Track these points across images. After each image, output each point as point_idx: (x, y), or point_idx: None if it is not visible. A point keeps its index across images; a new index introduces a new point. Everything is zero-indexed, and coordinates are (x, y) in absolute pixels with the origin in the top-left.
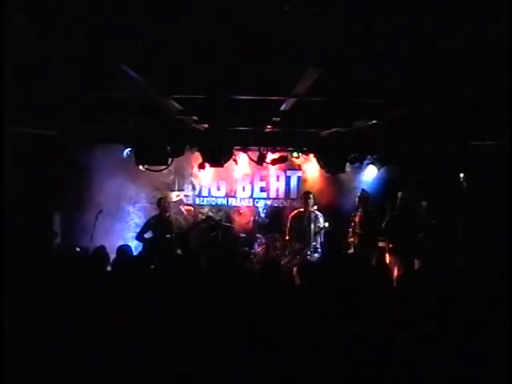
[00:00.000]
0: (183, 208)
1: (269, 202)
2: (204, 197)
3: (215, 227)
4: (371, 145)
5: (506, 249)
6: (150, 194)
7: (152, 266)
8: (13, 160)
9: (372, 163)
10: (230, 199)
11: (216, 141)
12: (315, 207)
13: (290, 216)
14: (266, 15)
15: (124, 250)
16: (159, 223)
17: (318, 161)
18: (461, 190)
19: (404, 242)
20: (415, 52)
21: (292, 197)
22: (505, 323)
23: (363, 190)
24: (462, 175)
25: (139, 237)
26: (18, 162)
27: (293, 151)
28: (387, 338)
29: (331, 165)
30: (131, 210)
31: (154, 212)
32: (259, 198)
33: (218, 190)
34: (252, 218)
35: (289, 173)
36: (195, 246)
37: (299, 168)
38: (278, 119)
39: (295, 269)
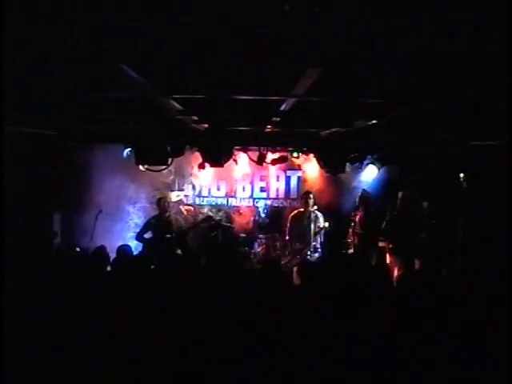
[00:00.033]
0: (183, 208)
1: (269, 202)
2: (204, 197)
3: (215, 227)
4: (371, 145)
5: (506, 249)
6: (150, 194)
7: (152, 266)
8: (13, 160)
9: (372, 163)
10: (230, 199)
11: (216, 141)
12: (315, 207)
13: (290, 216)
14: (266, 15)
15: (124, 249)
16: (159, 223)
17: (318, 161)
18: (461, 189)
19: (404, 242)
20: (415, 52)
21: (292, 197)
22: (505, 323)
23: (364, 190)
24: (462, 175)
25: (139, 237)
26: (18, 162)
27: (293, 151)
28: (387, 337)
29: (331, 165)
30: (131, 210)
31: (154, 212)
32: (259, 198)
33: (218, 189)
34: (252, 218)
35: (289, 173)
36: (195, 246)
37: (299, 168)
38: (278, 119)
39: (295, 269)
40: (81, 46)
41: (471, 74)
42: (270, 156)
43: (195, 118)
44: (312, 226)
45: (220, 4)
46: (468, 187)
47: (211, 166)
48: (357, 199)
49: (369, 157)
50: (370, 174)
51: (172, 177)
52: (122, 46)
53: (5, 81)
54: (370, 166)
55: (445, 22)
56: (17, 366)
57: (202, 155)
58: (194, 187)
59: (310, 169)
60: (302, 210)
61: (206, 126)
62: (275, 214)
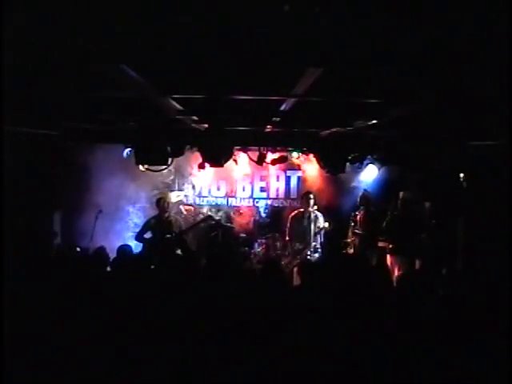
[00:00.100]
0: (183, 208)
1: (269, 202)
2: (204, 197)
3: (215, 227)
4: (371, 145)
5: (505, 249)
6: (150, 194)
7: (152, 266)
8: (13, 160)
9: (372, 163)
10: (230, 199)
11: (216, 141)
12: (315, 207)
13: (290, 216)
14: (266, 15)
15: (124, 249)
16: (159, 223)
17: (318, 161)
18: (461, 189)
19: (404, 242)
20: (415, 52)
21: (292, 197)
22: (505, 323)
23: (365, 190)
24: (462, 175)
25: (138, 237)
26: (18, 162)
27: (293, 151)
28: (387, 337)
29: (331, 165)
30: (131, 210)
31: (154, 212)
32: (259, 198)
33: (218, 189)
34: (252, 218)
35: (289, 173)
36: (195, 246)
37: (299, 168)
38: (278, 119)
39: (295, 269)
40: (81, 46)
41: (471, 74)
42: (270, 156)
43: (195, 117)
44: (312, 226)
45: (220, 4)
46: (468, 187)
47: (211, 165)
48: (358, 199)
49: (369, 157)
50: (369, 174)
51: (172, 177)
52: (122, 45)
53: (5, 81)
54: (370, 165)
55: (445, 22)
56: (17, 366)
57: (202, 155)
58: (193, 187)
59: (310, 169)
60: (302, 210)
61: (206, 125)
62: (275, 214)
